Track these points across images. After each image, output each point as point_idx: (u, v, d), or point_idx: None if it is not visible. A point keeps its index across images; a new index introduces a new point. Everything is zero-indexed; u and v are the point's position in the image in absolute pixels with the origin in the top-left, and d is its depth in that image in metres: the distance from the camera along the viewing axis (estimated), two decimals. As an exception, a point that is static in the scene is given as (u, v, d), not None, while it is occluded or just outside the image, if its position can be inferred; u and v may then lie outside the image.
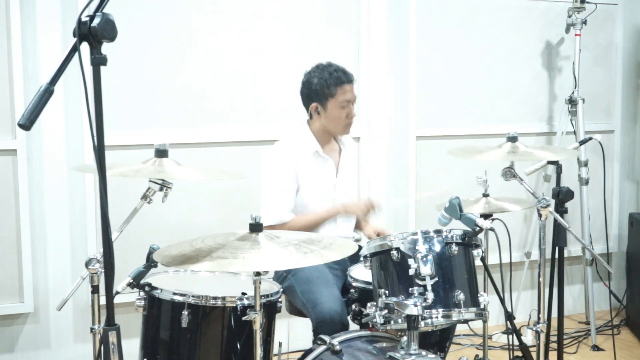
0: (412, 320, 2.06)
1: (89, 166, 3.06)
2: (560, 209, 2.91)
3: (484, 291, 2.90)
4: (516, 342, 2.62)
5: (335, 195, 2.93)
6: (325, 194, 2.89)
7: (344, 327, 2.52)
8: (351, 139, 3.17)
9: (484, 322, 2.80)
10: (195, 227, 3.45)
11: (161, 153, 2.39)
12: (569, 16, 4.11)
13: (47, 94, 1.47)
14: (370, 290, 2.39)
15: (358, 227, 3.10)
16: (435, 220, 2.55)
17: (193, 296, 2.23)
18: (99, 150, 1.52)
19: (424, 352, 2.08)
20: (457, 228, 2.31)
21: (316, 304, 2.56)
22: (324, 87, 2.83)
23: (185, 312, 2.21)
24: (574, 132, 4.15)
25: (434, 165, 4.05)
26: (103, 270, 1.88)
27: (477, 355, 3.15)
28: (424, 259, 2.16)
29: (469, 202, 3.08)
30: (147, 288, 2.30)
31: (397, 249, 2.21)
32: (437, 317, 2.17)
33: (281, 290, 2.40)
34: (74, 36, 1.49)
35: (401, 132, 4.00)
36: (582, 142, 3.18)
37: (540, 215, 2.74)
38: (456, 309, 2.19)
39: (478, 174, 3.04)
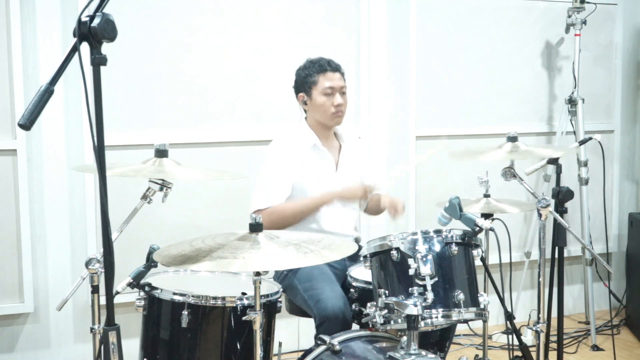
0: (412, 320, 2.06)
1: (89, 166, 3.06)
2: (560, 209, 2.91)
3: (484, 291, 2.91)
4: (516, 342, 2.62)
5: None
6: (326, 190, 2.89)
7: (347, 324, 2.52)
8: (356, 137, 3.17)
9: (484, 322, 2.80)
10: (195, 227, 3.46)
11: (161, 153, 2.38)
12: (569, 16, 4.12)
13: (47, 94, 1.47)
14: (370, 290, 2.39)
15: (373, 211, 3.10)
16: (435, 220, 2.55)
17: (193, 296, 2.22)
18: (99, 150, 1.52)
19: (423, 352, 2.08)
20: (457, 228, 2.31)
21: (319, 301, 2.56)
22: (307, 76, 2.87)
23: (185, 312, 2.21)
24: (574, 132, 4.16)
25: (434, 165, 4.05)
26: (103, 270, 1.88)
27: (477, 355, 3.15)
28: (424, 259, 2.16)
29: (469, 202, 3.08)
30: (147, 288, 2.30)
31: (397, 249, 2.21)
32: (437, 317, 2.17)
33: (281, 290, 2.40)
34: (74, 36, 1.49)
35: (401, 132, 4.00)
36: (582, 142, 3.18)
37: (540, 215, 2.74)
38: (456, 309, 2.19)
39: (478, 174, 3.04)
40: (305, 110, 2.95)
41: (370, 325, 2.28)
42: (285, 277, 2.78)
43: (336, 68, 2.90)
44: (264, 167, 2.87)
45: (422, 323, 2.13)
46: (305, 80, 2.88)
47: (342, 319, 2.50)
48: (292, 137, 2.91)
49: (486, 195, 3.10)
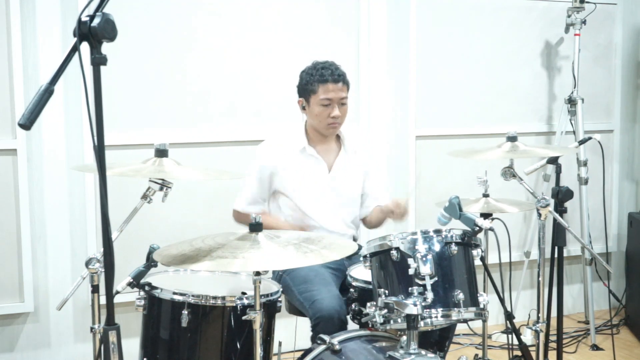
0: (411, 320, 2.06)
1: (89, 166, 3.06)
2: (560, 209, 2.91)
3: (484, 291, 2.91)
4: (516, 342, 2.62)
5: (330, 196, 2.91)
6: (319, 194, 2.88)
7: (343, 324, 2.52)
8: (361, 143, 3.15)
9: (484, 321, 2.80)
10: (195, 226, 3.46)
11: (161, 153, 2.38)
12: (569, 16, 4.12)
13: (47, 93, 1.47)
14: (370, 290, 2.39)
15: (374, 223, 3.08)
16: (435, 220, 2.55)
17: (193, 296, 2.23)
18: (99, 150, 1.52)
19: (423, 352, 2.08)
20: (456, 228, 2.31)
21: (314, 301, 2.56)
22: (308, 83, 2.84)
23: (185, 312, 2.21)
24: (574, 132, 4.16)
25: (434, 165, 4.05)
26: (103, 270, 1.88)
27: (476, 355, 3.16)
28: (424, 259, 2.16)
29: (468, 202, 3.08)
30: (147, 288, 2.30)
31: (397, 248, 2.21)
32: (436, 317, 2.17)
33: (281, 289, 2.40)
34: (74, 36, 1.49)
35: (401, 132, 4.00)
36: (582, 142, 3.18)
37: (539, 215, 2.74)
38: (456, 309, 2.19)
39: (478, 174, 3.04)
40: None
41: (370, 325, 2.28)
42: (281, 279, 2.78)
43: (338, 78, 2.82)
44: (250, 169, 2.92)
45: (422, 323, 2.13)
46: (305, 87, 2.85)
47: (337, 319, 2.50)
48: (281, 140, 2.93)
49: (485, 195, 3.10)
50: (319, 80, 2.81)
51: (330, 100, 2.81)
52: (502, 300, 2.51)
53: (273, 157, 2.88)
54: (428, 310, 2.14)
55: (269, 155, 2.89)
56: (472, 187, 3.11)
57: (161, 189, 2.35)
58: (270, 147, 2.92)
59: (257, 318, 2.01)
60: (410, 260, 2.17)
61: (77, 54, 1.49)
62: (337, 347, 2.18)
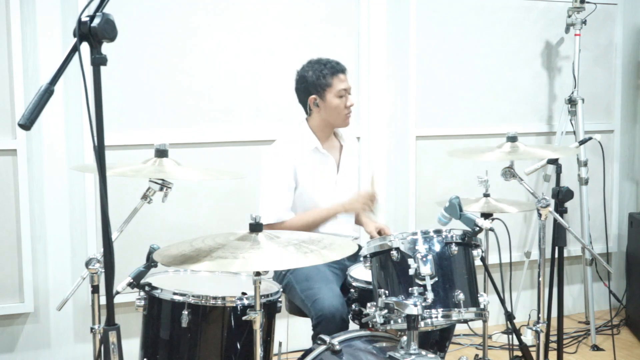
0: (411, 320, 2.06)
1: (89, 166, 3.06)
2: (560, 209, 2.91)
3: (484, 291, 2.91)
4: (516, 342, 2.62)
5: (337, 192, 2.92)
6: (327, 192, 2.89)
7: (344, 324, 2.52)
8: (353, 137, 3.17)
9: (484, 322, 2.80)
10: (195, 227, 3.46)
11: (161, 153, 2.39)
12: (569, 16, 4.12)
13: (47, 93, 1.47)
14: (370, 290, 2.39)
15: (359, 222, 3.10)
16: (435, 220, 2.55)
17: (193, 296, 2.23)
18: (99, 150, 1.52)
19: (423, 352, 2.08)
20: (457, 228, 2.31)
21: (316, 300, 2.57)
22: (320, 78, 2.84)
23: (185, 312, 2.21)
24: (574, 132, 4.16)
25: (434, 165, 4.05)
26: (103, 270, 1.88)
27: (477, 355, 3.15)
28: (424, 259, 2.16)
29: (469, 202, 3.08)
30: (147, 288, 2.30)
31: (397, 249, 2.21)
32: (436, 317, 2.17)
33: (281, 290, 2.40)
34: (74, 36, 1.49)
35: (401, 132, 4.00)
36: (582, 142, 3.18)
37: (540, 215, 2.75)
38: (456, 309, 2.19)
39: (478, 174, 3.04)
40: (309, 112, 2.93)
41: (370, 325, 2.28)
42: (284, 278, 2.78)
43: (344, 69, 2.91)
44: (266, 176, 2.86)
45: (422, 323, 2.14)
46: (318, 82, 2.84)
47: (339, 318, 2.50)
48: (292, 141, 2.89)
49: (486, 195, 3.10)
50: (332, 73, 2.85)
51: (345, 91, 2.87)
52: (502, 301, 2.51)
53: (292, 155, 2.85)
54: (428, 310, 2.15)
55: (288, 153, 2.85)
56: (473, 187, 3.11)
57: (161, 189, 2.35)
58: (283, 148, 2.88)
59: (257, 318, 2.01)
60: (410, 261, 2.17)
61: (77, 54, 1.49)
62: (337, 347, 2.18)
